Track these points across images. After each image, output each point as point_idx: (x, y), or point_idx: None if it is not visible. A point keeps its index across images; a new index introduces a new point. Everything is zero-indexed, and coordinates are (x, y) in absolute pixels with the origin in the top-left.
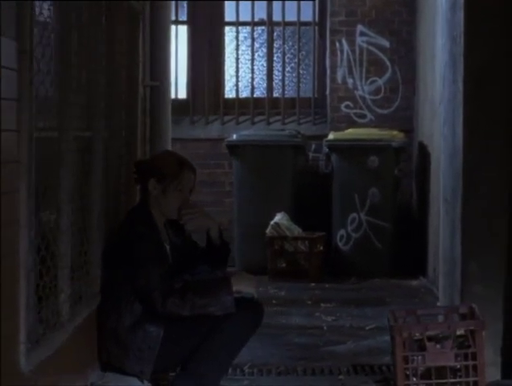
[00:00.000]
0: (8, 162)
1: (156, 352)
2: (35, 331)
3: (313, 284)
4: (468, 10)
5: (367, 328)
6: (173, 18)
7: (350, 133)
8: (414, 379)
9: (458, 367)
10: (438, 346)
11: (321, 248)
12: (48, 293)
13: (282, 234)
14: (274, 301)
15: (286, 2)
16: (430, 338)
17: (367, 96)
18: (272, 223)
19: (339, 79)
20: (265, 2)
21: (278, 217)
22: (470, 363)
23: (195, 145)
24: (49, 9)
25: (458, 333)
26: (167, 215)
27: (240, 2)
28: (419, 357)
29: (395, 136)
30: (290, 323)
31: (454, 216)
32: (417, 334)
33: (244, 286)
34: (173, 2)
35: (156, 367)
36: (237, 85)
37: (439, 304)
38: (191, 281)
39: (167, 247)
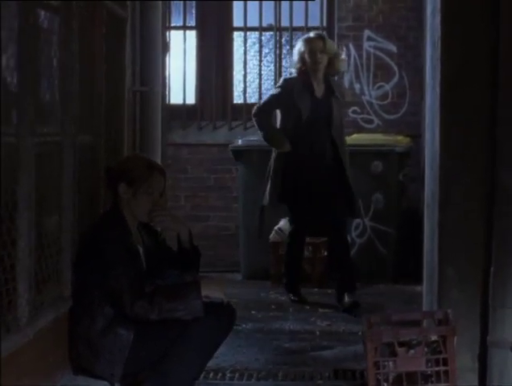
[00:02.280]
0: None
1: (126, 355)
2: None
3: (316, 289)
4: (445, 13)
5: (359, 333)
6: (181, 23)
7: (354, 138)
8: (386, 384)
9: (429, 372)
10: (411, 351)
11: (325, 253)
12: (5, 297)
13: (285, 239)
14: (272, 307)
15: (294, 7)
16: (402, 344)
17: (374, 102)
18: (276, 228)
19: (346, 84)
20: (272, 7)
21: (282, 223)
22: (442, 368)
23: (202, 151)
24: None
25: (433, 338)
26: (139, 218)
27: (248, 7)
28: (390, 362)
29: (399, 141)
30: (283, 328)
31: (433, 221)
32: (387, 340)
33: (212, 291)
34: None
35: (126, 370)
36: (245, 91)
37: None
38: (160, 285)
39: (141, 249)
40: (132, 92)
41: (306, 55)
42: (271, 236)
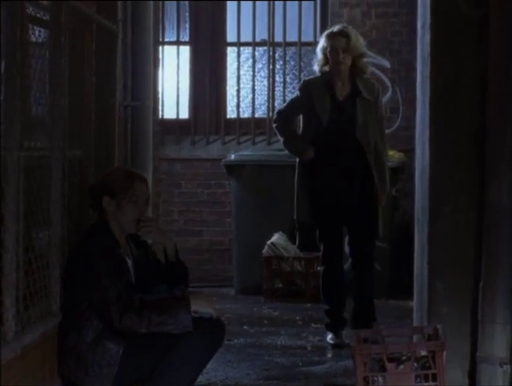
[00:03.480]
0: None
1: (116, 369)
2: None
3: (309, 304)
4: (435, 31)
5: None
6: (175, 38)
7: None
8: None
9: None
10: (401, 367)
11: (318, 268)
12: None
13: (278, 254)
14: (265, 322)
15: (287, 22)
16: (392, 360)
17: None
18: (269, 243)
19: None
20: (266, 22)
21: (276, 237)
22: (431, 384)
23: (196, 165)
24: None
25: (422, 354)
26: (126, 228)
27: (241, 22)
28: (380, 378)
29: (392, 156)
30: (275, 343)
31: (423, 235)
32: (376, 355)
33: (201, 306)
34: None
35: (115, 385)
36: (238, 105)
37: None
38: (149, 299)
39: (129, 261)
40: (123, 107)
41: (328, 53)
42: (264, 250)
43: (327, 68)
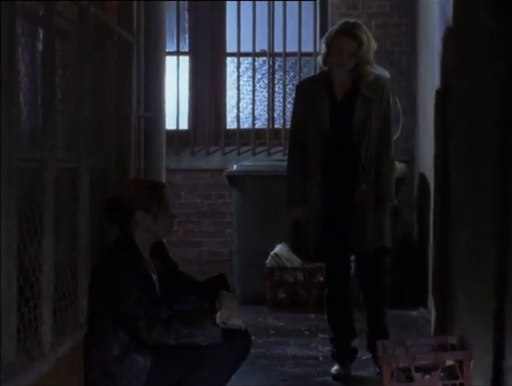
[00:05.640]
0: None
1: (144, 382)
2: (14, 363)
3: (312, 315)
4: (456, 42)
5: (362, 358)
6: (175, 48)
7: None
8: None
9: None
10: (427, 376)
11: (321, 278)
12: (29, 323)
13: (281, 265)
14: (271, 332)
15: (287, 32)
16: (418, 369)
17: None
18: (272, 253)
19: None
20: (266, 32)
21: (278, 248)
22: None
23: (196, 176)
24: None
25: (448, 363)
26: (162, 236)
27: (241, 32)
28: None
29: None
30: (285, 354)
31: (444, 247)
32: (404, 365)
33: (230, 317)
34: (169, 33)
35: None
36: (238, 116)
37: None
38: (177, 311)
39: (154, 276)
40: (137, 118)
41: (333, 51)
42: (268, 261)
43: (323, 70)
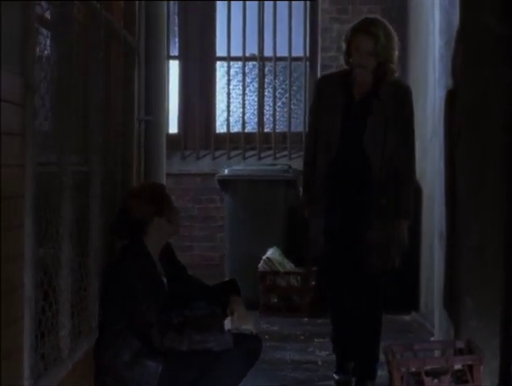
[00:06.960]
0: (13, 197)
1: None
2: (37, 367)
3: (305, 319)
4: (464, 47)
5: None
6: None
7: None
8: None
9: None
10: (435, 381)
11: (313, 283)
12: (50, 328)
13: (274, 269)
14: (266, 337)
15: (277, 37)
16: (427, 373)
17: None
18: (264, 258)
19: None
20: (256, 37)
21: (271, 252)
22: None
23: (186, 180)
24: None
25: (456, 367)
26: (173, 233)
27: (231, 37)
28: None
29: None
30: (284, 358)
31: (451, 251)
32: (414, 369)
33: (242, 323)
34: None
35: None
36: (228, 120)
37: (433, 339)
38: (189, 317)
39: (164, 280)
40: (137, 121)
41: (352, 50)
42: (260, 265)
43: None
